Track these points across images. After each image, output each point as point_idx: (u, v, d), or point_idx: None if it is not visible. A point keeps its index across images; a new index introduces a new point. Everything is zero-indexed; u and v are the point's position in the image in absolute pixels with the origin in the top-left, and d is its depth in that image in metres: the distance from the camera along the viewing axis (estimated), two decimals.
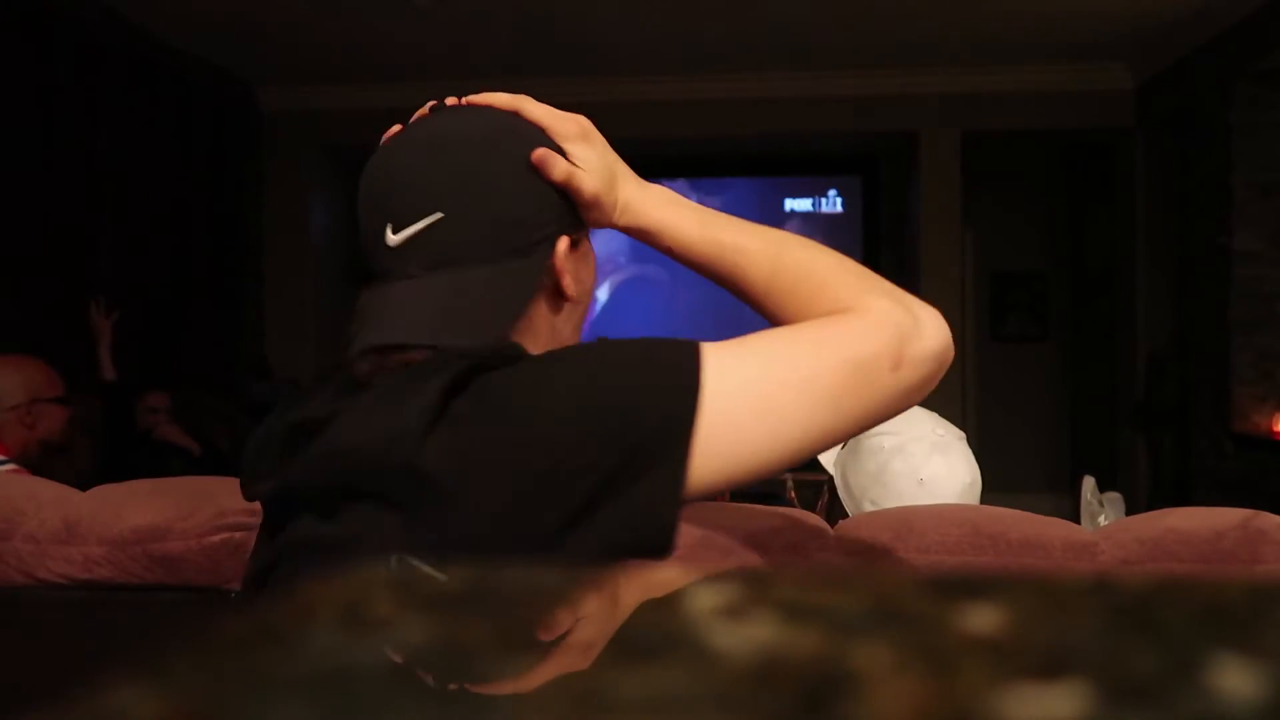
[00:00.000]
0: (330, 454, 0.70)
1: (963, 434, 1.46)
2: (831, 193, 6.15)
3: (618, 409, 0.67)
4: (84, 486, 1.33)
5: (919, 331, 0.76)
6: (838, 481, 1.52)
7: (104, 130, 4.33)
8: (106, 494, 1.28)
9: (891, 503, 1.40)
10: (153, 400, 3.76)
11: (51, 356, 3.86)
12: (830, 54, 5.12)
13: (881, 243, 6.12)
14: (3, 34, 3.76)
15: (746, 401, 0.69)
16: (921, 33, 4.76)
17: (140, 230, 4.58)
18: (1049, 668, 0.16)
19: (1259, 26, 4.25)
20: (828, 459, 1.56)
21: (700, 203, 0.93)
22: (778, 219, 6.15)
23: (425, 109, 0.83)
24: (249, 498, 0.79)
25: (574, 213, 0.82)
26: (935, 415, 1.46)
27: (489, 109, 0.82)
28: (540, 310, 0.81)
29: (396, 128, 0.82)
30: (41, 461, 2.50)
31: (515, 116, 0.82)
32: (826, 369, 0.72)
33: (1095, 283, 6.11)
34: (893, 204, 6.10)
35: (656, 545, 0.67)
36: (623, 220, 0.85)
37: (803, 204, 6.15)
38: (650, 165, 6.10)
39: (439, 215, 0.76)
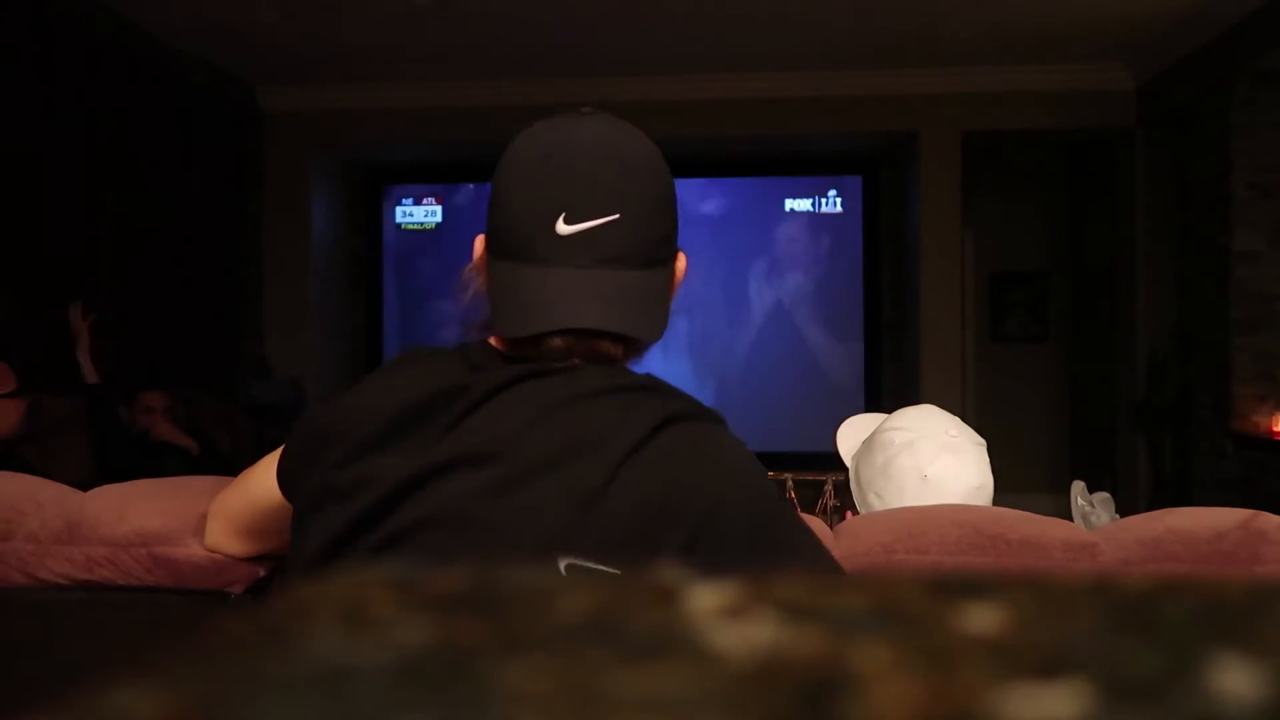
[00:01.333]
0: (536, 447, 0.79)
1: (982, 441, 1.45)
2: (831, 193, 6.14)
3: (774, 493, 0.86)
4: (83, 487, 1.33)
5: None
6: (851, 474, 1.52)
7: (104, 130, 4.32)
8: (109, 494, 1.28)
9: (894, 497, 1.40)
10: (149, 400, 3.76)
11: (52, 357, 3.86)
12: (830, 54, 5.12)
13: (881, 243, 6.12)
14: (3, 34, 3.76)
15: None
16: (922, 33, 4.76)
17: (140, 230, 4.58)
18: (1049, 668, 0.16)
19: (1258, 26, 4.25)
20: (845, 451, 1.57)
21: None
22: (778, 219, 6.15)
23: (575, 110, 0.89)
24: (349, 465, 0.82)
25: None
26: (955, 418, 1.46)
27: (639, 129, 0.91)
28: None
29: (552, 119, 0.87)
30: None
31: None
32: None
33: (1095, 283, 6.10)
34: (893, 204, 6.10)
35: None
36: None
37: (803, 204, 6.15)
38: None
39: (616, 216, 0.83)
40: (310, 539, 0.84)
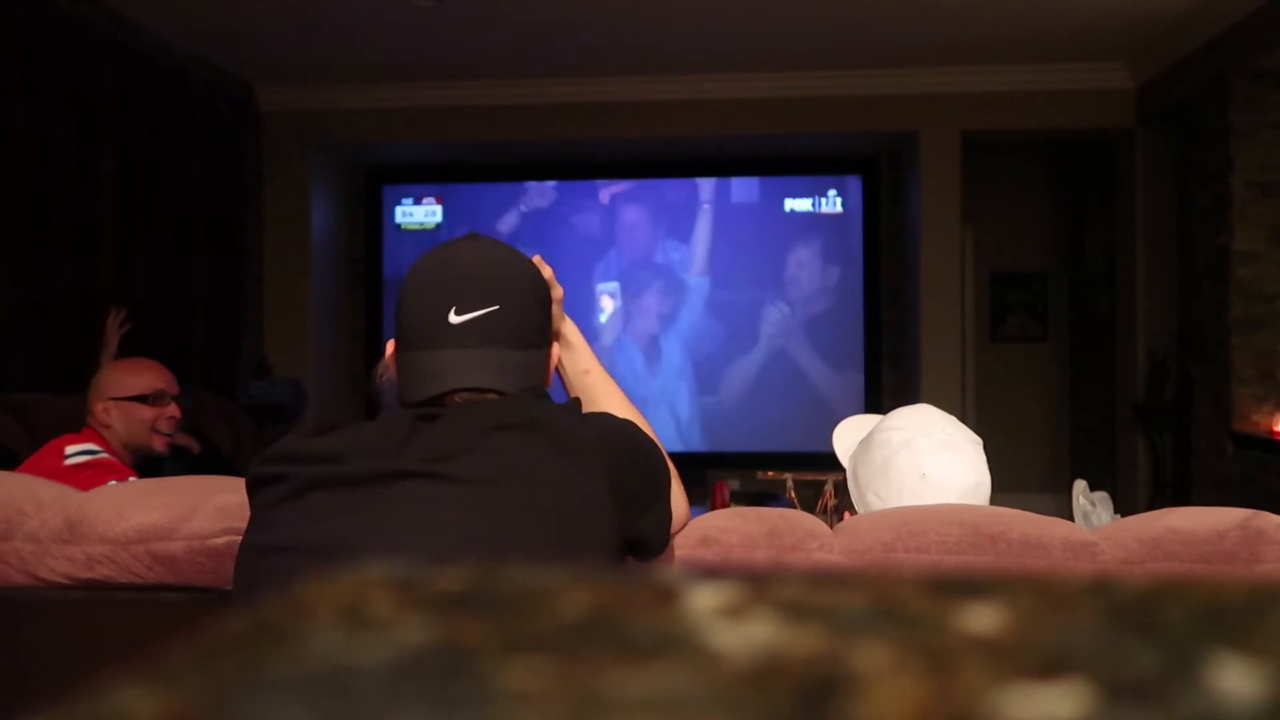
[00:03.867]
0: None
1: (979, 440, 1.45)
2: (831, 193, 6.14)
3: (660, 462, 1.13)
4: None
5: None
6: (848, 474, 1.52)
7: (104, 130, 4.32)
8: (108, 494, 1.28)
9: (893, 495, 1.40)
10: None
11: (52, 356, 3.86)
12: (830, 54, 5.12)
13: (881, 243, 6.13)
14: (2, 34, 3.76)
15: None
16: (921, 33, 4.76)
17: (140, 230, 4.58)
18: (1049, 668, 0.16)
19: (1258, 26, 4.25)
20: (842, 451, 1.57)
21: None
22: (778, 219, 6.16)
23: (463, 237, 1.11)
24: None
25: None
26: (951, 417, 1.46)
27: (513, 248, 1.12)
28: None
29: (442, 244, 1.10)
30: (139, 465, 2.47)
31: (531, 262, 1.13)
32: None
33: (1095, 283, 6.10)
34: (893, 204, 6.10)
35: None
36: (567, 330, 1.27)
37: (803, 204, 6.15)
38: (650, 165, 6.12)
39: (496, 307, 1.03)
40: (266, 498, 1.00)
